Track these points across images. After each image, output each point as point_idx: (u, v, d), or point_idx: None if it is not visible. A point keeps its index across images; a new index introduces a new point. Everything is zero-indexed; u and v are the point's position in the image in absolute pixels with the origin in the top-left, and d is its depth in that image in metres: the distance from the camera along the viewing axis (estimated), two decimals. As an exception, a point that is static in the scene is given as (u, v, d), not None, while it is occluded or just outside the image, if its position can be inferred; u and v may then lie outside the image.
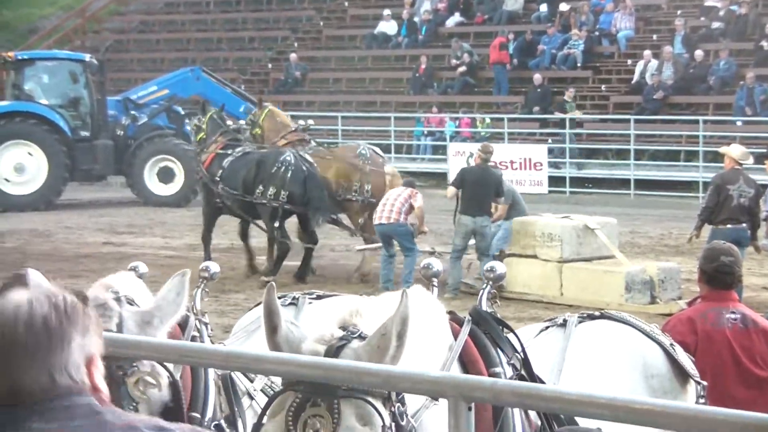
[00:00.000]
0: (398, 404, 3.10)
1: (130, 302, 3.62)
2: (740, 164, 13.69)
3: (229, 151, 17.12)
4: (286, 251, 16.22)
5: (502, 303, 4.41)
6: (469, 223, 14.97)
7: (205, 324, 4.32)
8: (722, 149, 14.47)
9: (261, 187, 16.20)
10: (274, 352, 3.17)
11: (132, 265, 4.84)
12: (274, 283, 3.48)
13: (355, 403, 3.02)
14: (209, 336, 4.30)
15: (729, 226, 13.26)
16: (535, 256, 14.93)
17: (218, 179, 16.78)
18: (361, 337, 3.13)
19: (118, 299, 3.60)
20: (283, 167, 16.20)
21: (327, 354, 3.08)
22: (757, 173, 15.88)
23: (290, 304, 4.99)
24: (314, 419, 2.98)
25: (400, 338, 3.07)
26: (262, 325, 3.23)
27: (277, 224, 16.13)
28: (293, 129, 18.64)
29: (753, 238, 13.59)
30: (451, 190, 15.58)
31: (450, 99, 31.86)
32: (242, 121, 19.91)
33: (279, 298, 5.11)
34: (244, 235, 17.24)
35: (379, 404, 3.05)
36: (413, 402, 3.24)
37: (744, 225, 13.37)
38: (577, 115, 28.78)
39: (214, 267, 4.70)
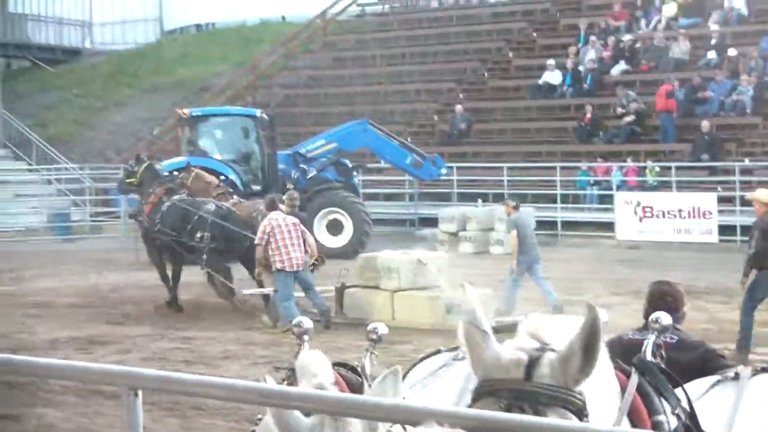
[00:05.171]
0: (586, 419, 3.14)
1: None
2: None
3: (164, 199, 19.95)
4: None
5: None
6: None
7: None
8: (750, 195, 14.53)
9: (187, 230, 19.16)
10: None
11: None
12: (466, 283, 3.46)
13: (558, 411, 3.08)
14: None
15: None
16: (377, 287, 17.32)
17: (158, 222, 19.59)
18: (552, 350, 3.16)
19: None
20: (206, 214, 19.11)
21: (530, 361, 3.12)
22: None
23: (462, 358, 5.06)
24: None
25: (588, 351, 3.08)
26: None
27: (204, 260, 18.97)
28: (217, 184, 21.85)
29: None
30: None
31: (616, 148, 31.62)
32: (176, 172, 22.44)
33: (451, 350, 5.25)
34: (176, 277, 19.71)
35: (574, 418, 3.10)
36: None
37: None
38: None
39: (382, 328, 4.75)
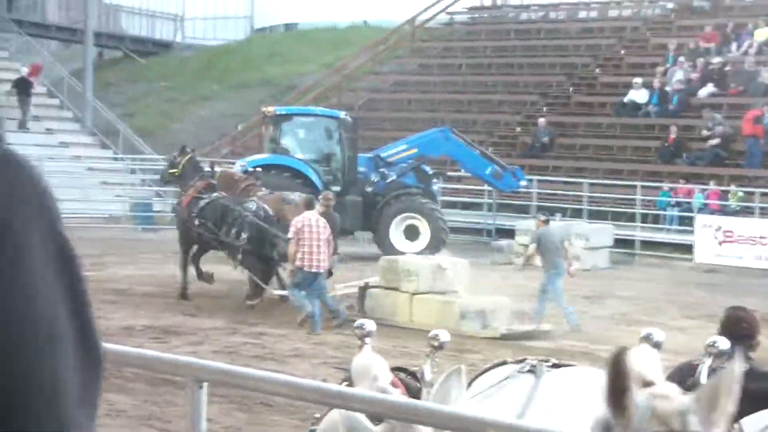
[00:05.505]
0: None
1: None
2: None
3: (204, 196, 20.60)
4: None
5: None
6: None
7: None
8: None
9: (225, 228, 19.65)
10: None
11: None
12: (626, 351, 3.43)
13: None
14: None
15: None
16: (397, 289, 17.92)
17: (194, 215, 20.30)
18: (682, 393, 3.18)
19: None
20: (245, 213, 19.60)
21: (685, 410, 3.11)
22: None
23: (528, 371, 5.08)
24: None
25: (732, 399, 3.10)
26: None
27: (239, 259, 19.51)
28: (244, 177, 22.09)
29: None
30: None
31: (699, 170, 31.31)
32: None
33: (517, 362, 5.26)
34: (196, 260, 20.66)
35: None
36: None
37: None
38: None
39: (444, 336, 4.72)
